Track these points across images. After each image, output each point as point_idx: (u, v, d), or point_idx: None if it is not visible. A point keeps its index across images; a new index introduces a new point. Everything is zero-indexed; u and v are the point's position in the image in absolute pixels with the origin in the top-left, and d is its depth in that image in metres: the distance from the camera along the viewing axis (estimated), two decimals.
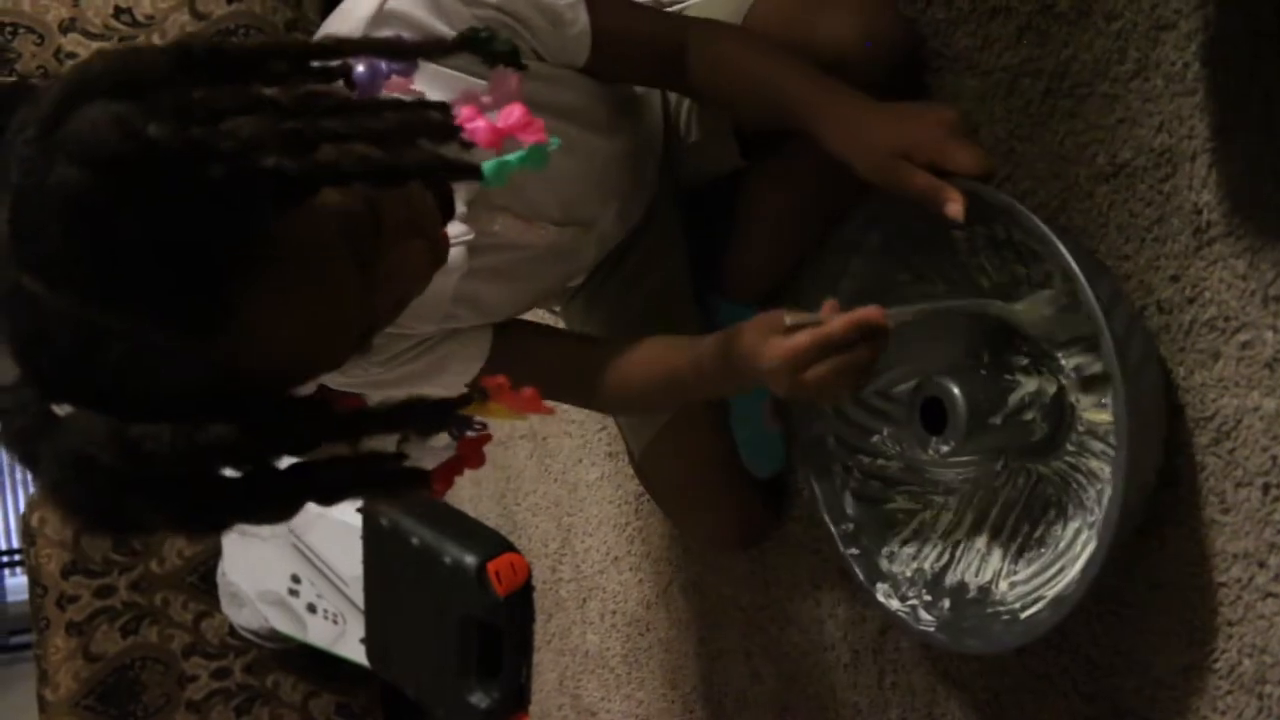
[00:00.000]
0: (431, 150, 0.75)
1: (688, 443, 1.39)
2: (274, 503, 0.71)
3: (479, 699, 1.33)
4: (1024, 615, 1.04)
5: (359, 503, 1.52)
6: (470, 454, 0.82)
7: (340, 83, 0.76)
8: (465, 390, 0.81)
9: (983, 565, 1.14)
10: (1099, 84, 1.00)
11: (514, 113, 0.77)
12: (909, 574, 1.17)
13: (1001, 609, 1.09)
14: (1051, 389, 1.03)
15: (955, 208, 0.91)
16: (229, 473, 0.69)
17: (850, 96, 1.01)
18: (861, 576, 1.18)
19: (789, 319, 0.92)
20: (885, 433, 1.21)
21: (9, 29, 2.32)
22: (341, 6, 0.98)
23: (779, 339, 0.92)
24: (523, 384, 1.10)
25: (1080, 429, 1.04)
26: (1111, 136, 1.00)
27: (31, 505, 2.36)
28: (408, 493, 0.75)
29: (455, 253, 1.00)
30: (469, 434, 0.81)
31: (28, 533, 2.36)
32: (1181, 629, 0.98)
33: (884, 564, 1.18)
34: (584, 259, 1.26)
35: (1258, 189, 0.90)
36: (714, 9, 1.21)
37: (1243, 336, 0.92)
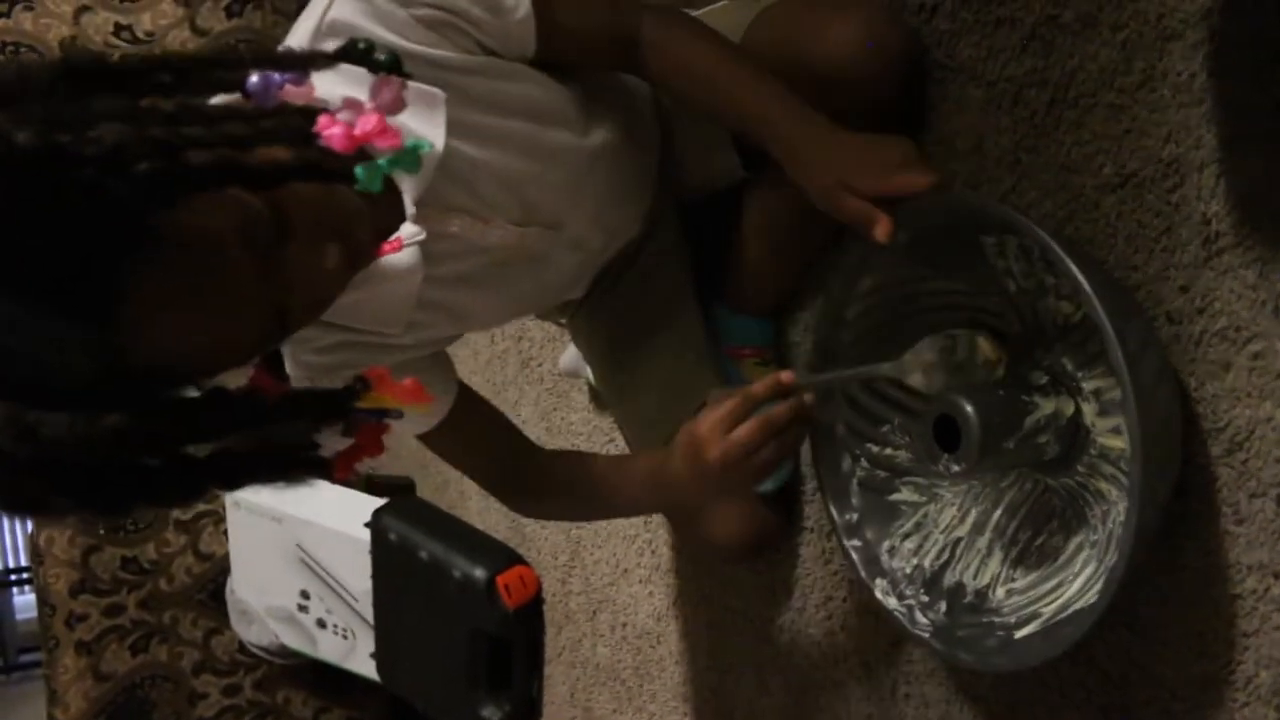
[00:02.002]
0: (310, 153, 0.80)
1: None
2: (177, 489, 0.75)
3: (490, 713, 1.32)
4: (1018, 635, 1.04)
5: (366, 517, 1.60)
6: (369, 442, 0.87)
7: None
8: (354, 382, 0.85)
9: (982, 567, 1.13)
10: (1105, 94, 1.00)
11: (370, 120, 0.82)
12: (908, 570, 1.16)
13: (996, 620, 1.08)
14: (1069, 410, 1.03)
15: (881, 230, 0.97)
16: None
17: (808, 121, 1.02)
18: (861, 571, 1.18)
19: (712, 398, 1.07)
20: (896, 422, 1.21)
21: (10, 47, 2.37)
22: (298, 19, 1.00)
23: (708, 446, 1.05)
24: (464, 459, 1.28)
25: (1093, 452, 1.03)
26: (1118, 147, 0.99)
27: (39, 525, 2.36)
28: (309, 479, 0.79)
29: (408, 254, 1.00)
30: (377, 422, 0.87)
31: (36, 552, 2.36)
32: (1196, 641, 0.98)
33: (884, 558, 1.18)
34: (562, 265, 1.22)
35: (1267, 199, 0.90)
36: (719, 18, 1.21)
37: (1254, 347, 0.91)
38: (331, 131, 0.81)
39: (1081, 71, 1.02)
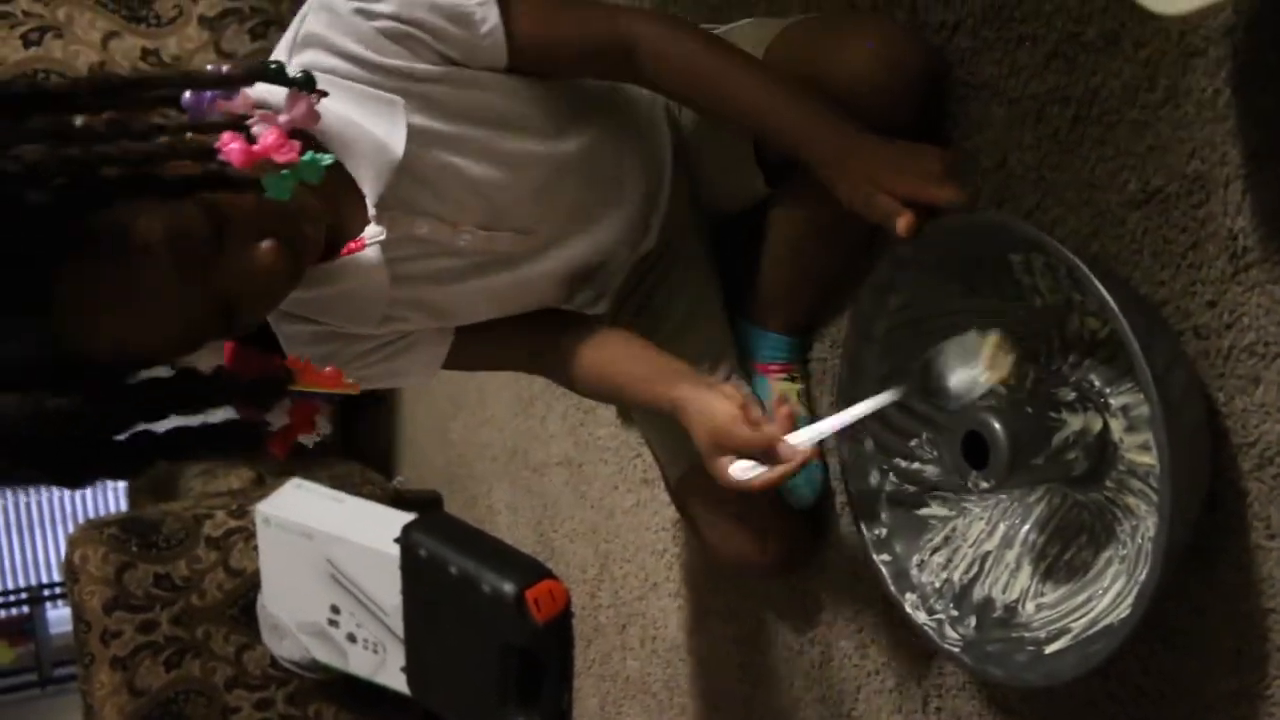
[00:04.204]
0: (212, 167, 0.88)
1: None
2: (129, 460, 0.87)
3: None
4: (1048, 650, 1.04)
5: (395, 533, 1.65)
6: (301, 421, 0.96)
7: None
8: (278, 370, 0.94)
9: (1011, 581, 1.13)
10: (1128, 111, 1.00)
11: (269, 136, 0.89)
12: (938, 584, 1.17)
13: (1026, 635, 1.09)
14: (1097, 426, 1.03)
15: (904, 224, 0.98)
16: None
17: (841, 131, 1.03)
18: (891, 585, 1.18)
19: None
20: (924, 436, 1.21)
21: (41, 73, 2.37)
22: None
23: (723, 449, 1.09)
24: (487, 367, 1.48)
25: (1121, 468, 1.03)
26: (1143, 163, 1.00)
27: (73, 543, 2.39)
28: (245, 452, 0.91)
29: (370, 253, 1.06)
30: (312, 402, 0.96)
31: (70, 569, 2.38)
32: (1230, 656, 0.98)
33: (914, 572, 1.19)
34: (543, 268, 1.22)
35: None
36: (740, 37, 1.22)
37: None
38: (231, 147, 0.88)
39: (1104, 88, 1.02)
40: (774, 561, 1.45)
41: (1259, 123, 0.91)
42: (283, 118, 0.91)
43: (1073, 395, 1.06)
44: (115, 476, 0.89)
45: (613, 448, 1.96)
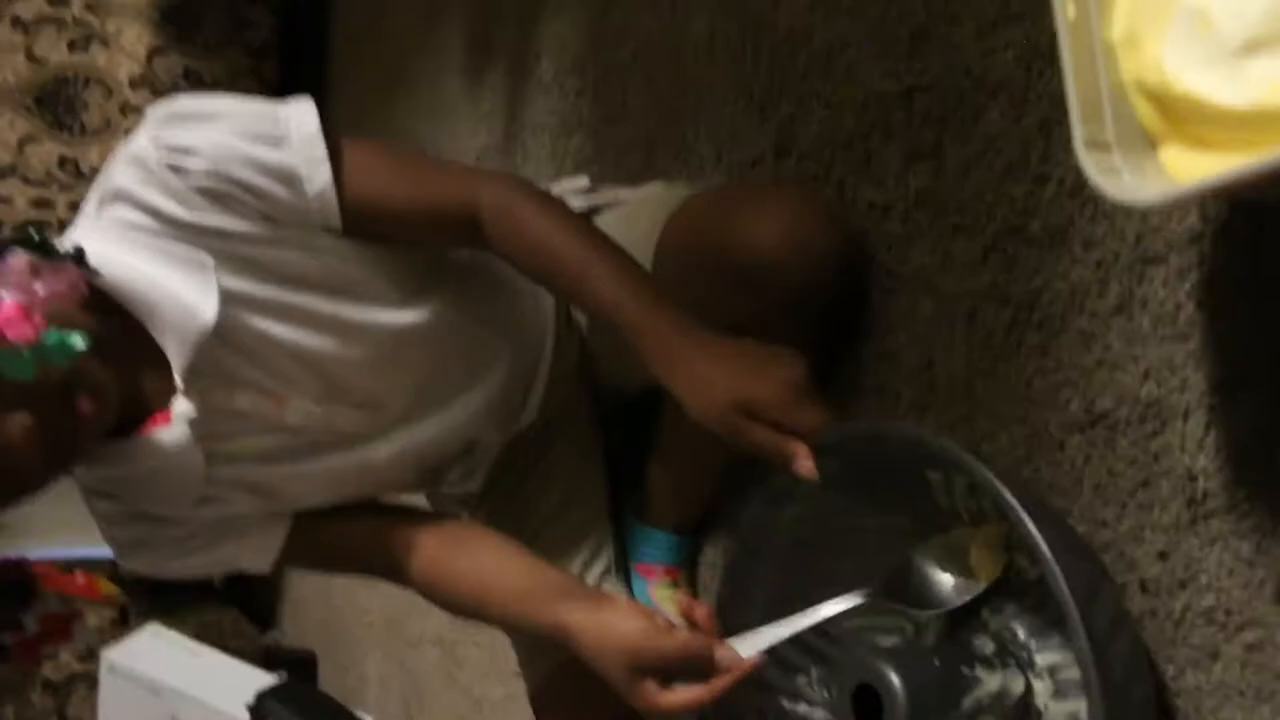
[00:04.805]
0: None
1: (590, 685, 1.20)
2: None
3: None
4: None
5: (249, 697, 1.57)
6: (54, 630, 0.96)
7: None
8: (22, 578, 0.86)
9: None
10: (1074, 318, 0.87)
11: (6, 311, 0.86)
12: None
13: None
14: (1018, 688, 0.86)
15: (806, 465, 0.86)
16: None
17: (685, 329, 0.91)
18: None
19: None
20: (814, 674, 1.03)
21: (82, 80, 2.60)
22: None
23: (647, 670, 0.92)
24: (333, 569, 1.20)
25: None
26: (1088, 380, 0.86)
27: None
28: None
29: (176, 431, 0.96)
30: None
31: None
32: None
33: None
34: (391, 448, 1.08)
35: (1266, 458, 0.75)
36: (640, 210, 1.14)
37: (1249, 636, 0.76)
38: None
39: (1048, 291, 0.89)
40: None
41: (1226, 346, 0.77)
42: (40, 290, 0.88)
43: (991, 647, 0.89)
44: None
45: (489, 630, 1.76)
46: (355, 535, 1.12)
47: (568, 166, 1.54)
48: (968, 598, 0.88)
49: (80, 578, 0.85)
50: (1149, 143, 0.63)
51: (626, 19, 1.43)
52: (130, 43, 2.59)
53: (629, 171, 1.36)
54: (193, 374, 0.95)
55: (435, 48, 2.04)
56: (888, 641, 0.96)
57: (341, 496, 1.10)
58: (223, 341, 0.95)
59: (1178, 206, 0.77)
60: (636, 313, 0.92)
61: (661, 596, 1.24)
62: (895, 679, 0.82)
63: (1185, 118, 0.60)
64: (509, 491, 1.25)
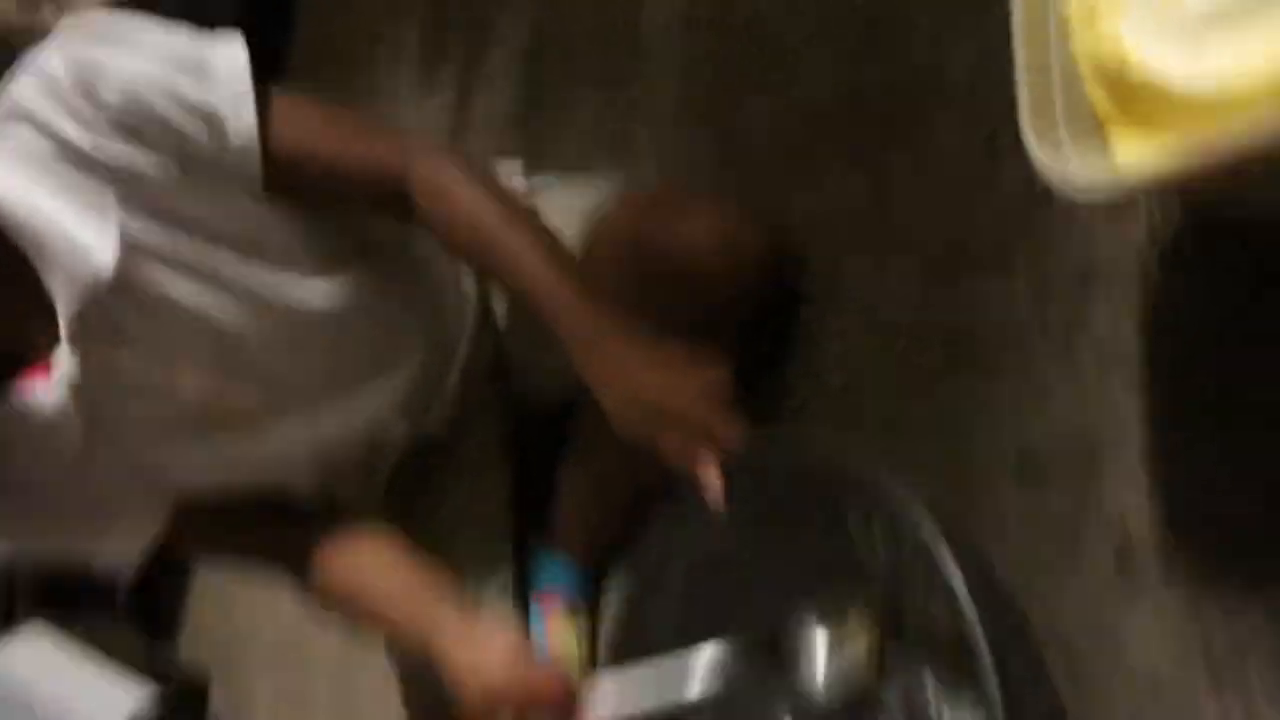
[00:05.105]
0: None
1: None
2: None
3: None
4: None
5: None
6: None
7: None
8: None
9: None
10: (1010, 347, 0.82)
11: None
12: None
13: None
14: None
15: (714, 490, 0.82)
16: None
17: (611, 319, 0.87)
18: None
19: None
20: None
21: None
22: None
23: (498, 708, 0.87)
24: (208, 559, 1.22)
25: None
26: (1020, 414, 0.81)
27: None
28: None
29: (56, 393, 0.89)
30: None
31: None
32: None
33: None
34: (288, 440, 1.02)
35: (1201, 505, 0.70)
36: (566, 202, 1.10)
37: (1172, 699, 0.69)
38: None
39: (985, 315, 0.85)
40: None
41: (1166, 379, 0.73)
42: None
43: (897, 700, 0.81)
44: None
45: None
46: (234, 525, 1.04)
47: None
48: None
49: None
50: (1099, 129, 0.56)
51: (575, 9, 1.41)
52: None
53: (566, 164, 1.33)
54: (80, 325, 0.87)
55: (392, 39, 2.04)
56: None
57: (229, 487, 1.02)
58: (118, 293, 0.87)
59: (1123, 195, 0.70)
60: (563, 295, 0.87)
61: (558, 629, 1.17)
62: None
63: (1140, 99, 0.54)
64: (407, 498, 1.17)
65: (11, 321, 0.89)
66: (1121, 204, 0.72)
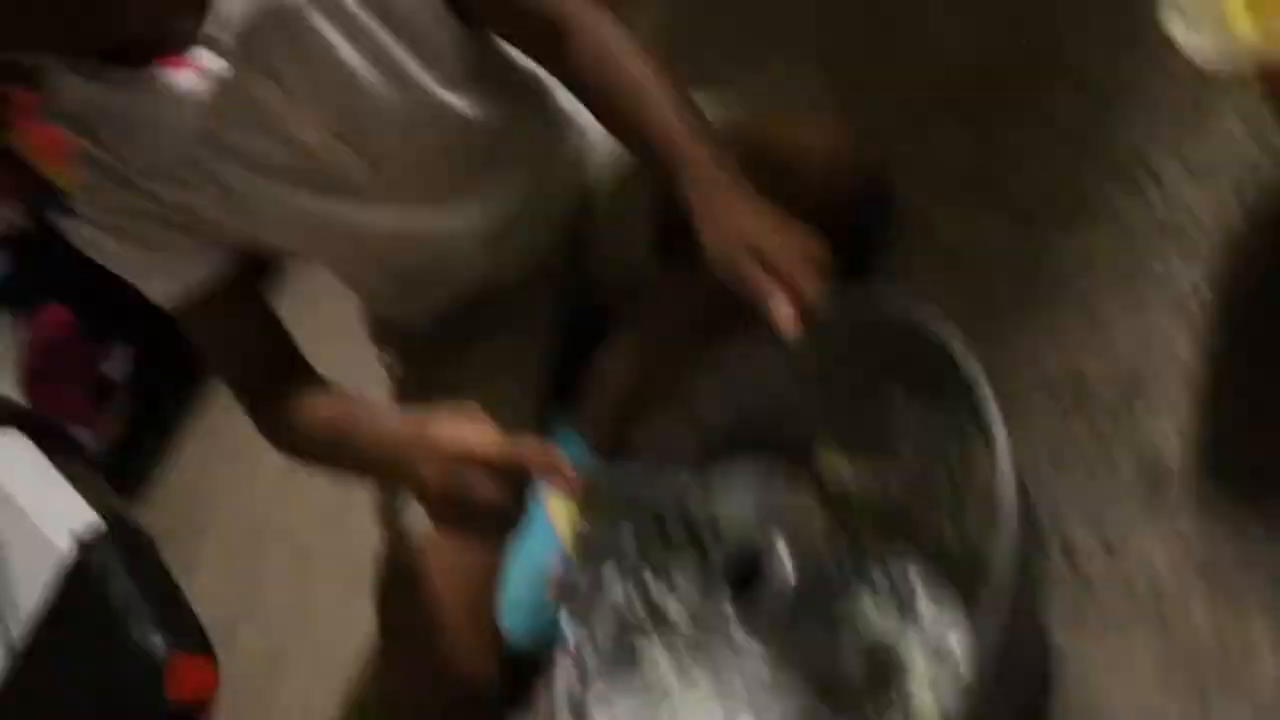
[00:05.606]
0: None
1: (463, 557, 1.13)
2: None
3: None
4: None
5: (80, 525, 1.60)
6: None
7: None
8: None
9: None
10: (1079, 281, 0.84)
11: None
12: None
13: None
14: (892, 640, 0.80)
15: (787, 315, 0.80)
16: None
17: (731, 171, 0.90)
18: None
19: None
20: (690, 559, 0.93)
21: None
22: None
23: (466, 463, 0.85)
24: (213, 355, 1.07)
25: (895, 696, 0.79)
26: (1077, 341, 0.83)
27: None
28: None
29: (194, 80, 0.91)
30: None
31: None
32: None
33: None
34: (375, 224, 1.05)
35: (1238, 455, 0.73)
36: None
37: (1164, 609, 0.71)
38: None
39: (1062, 256, 0.88)
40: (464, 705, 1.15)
41: (1227, 338, 0.75)
42: None
43: (886, 583, 0.83)
44: None
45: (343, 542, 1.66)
46: (253, 332, 1.06)
47: None
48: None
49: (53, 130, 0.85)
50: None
51: None
52: None
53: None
54: (241, 47, 0.91)
55: None
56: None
57: (304, 251, 1.06)
58: (285, 27, 0.92)
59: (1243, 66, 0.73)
60: (691, 140, 0.91)
61: (558, 505, 1.17)
62: (785, 548, 0.77)
63: None
64: (449, 336, 1.20)
65: (166, 3, 0.90)
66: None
